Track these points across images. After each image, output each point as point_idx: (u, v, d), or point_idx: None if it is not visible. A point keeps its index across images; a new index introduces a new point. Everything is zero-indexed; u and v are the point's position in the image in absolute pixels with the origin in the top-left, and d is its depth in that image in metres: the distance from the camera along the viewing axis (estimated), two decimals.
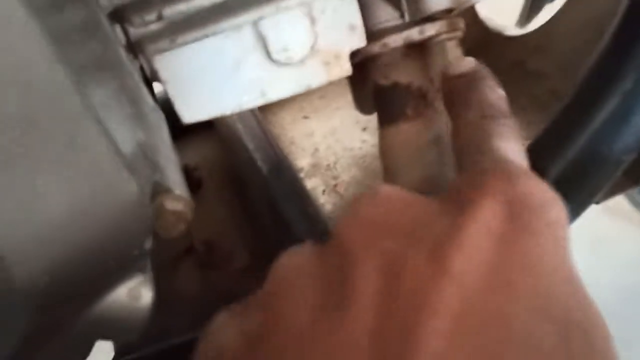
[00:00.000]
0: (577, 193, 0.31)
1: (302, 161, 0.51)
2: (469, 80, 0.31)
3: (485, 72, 0.32)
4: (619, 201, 0.89)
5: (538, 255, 0.20)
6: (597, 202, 0.38)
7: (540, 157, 0.32)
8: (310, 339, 0.20)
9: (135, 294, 0.21)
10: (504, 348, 0.18)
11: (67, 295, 0.18)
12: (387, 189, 0.24)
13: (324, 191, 0.49)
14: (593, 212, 1.05)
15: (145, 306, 0.21)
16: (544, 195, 0.22)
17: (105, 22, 0.30)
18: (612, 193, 0.39)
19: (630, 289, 1.12)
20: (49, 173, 0.17)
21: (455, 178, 0.25)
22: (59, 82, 0.19)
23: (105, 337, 0.22)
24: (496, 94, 0.30)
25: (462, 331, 0.18)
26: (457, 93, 0.31)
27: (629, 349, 1.00)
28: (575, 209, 0.32)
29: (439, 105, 0.39)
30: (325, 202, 0.49)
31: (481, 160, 0.24)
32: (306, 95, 0.38)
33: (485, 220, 0.20)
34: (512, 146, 0.25)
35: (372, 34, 0.37)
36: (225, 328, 0.23)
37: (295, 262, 0.23)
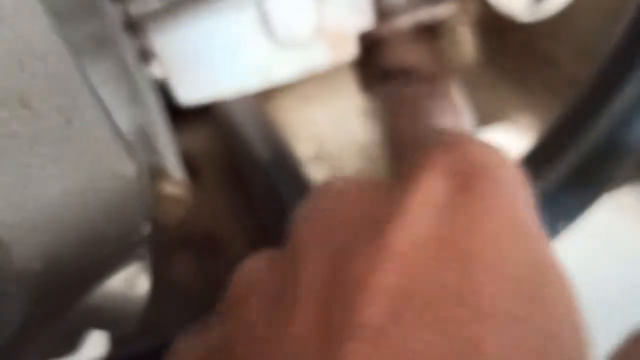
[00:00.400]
0: (594, 180, 0.31)
1: (304, 149, 0.51)
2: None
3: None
4: (629, 199, 0.88)
5: (491, 220, 0.19)
6: (608, 192, 0.38)
7: (556, 146, 0.32)
8: (266, 341, 0.20)
9: (131, 282, 0.20)
10: (455, 316, 0.17)
11: (63, 281, 0.18)
12: (336, 183, 0.24)
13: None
14: (605, 209, 1.05)
15: (142, 295, 0.21)
16: (487, 156, 0.21)
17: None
18: (624, 183, 0.39)
19: (635, 283, 1.12)
20: (44, 154, 0.17)
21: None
22: (58, 56, 0.18)
23: (99, 327, 0.21)
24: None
25: (409, 304, 0.18)
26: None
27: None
28: (590, 196, 0.31)
29: (451, 91, 0.39)
30: None
31: (427, 140, 0.24)
32: (310, 80, 0.37)
33: (427, 193, 0.20)
34: (449, 119, 0.26)
35: (381, 14, 0.37)
36: (185, 346, 0.24)
37: (252, 269, 0.23)
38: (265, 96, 0.46)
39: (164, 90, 0.34)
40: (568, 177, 0.30)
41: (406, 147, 0.27)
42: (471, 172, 0.20)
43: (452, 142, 0.22)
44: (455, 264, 0.18)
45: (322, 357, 0.18)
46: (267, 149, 0.46)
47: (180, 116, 0.34)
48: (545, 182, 0.31)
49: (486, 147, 0.22)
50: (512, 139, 0.39)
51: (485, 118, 0.47)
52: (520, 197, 0.21)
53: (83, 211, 0.17)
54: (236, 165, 0.48)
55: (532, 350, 0.18)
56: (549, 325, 0.18)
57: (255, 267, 0.24)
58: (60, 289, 0.18)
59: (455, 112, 0.32)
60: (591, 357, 0.21)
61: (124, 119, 0.26)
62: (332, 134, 0.52)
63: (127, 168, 0.19)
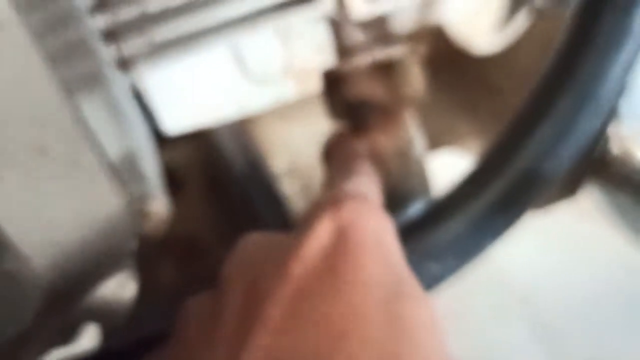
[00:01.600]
0: (517, 203, 0.36)
1: (280, 164, 0.55)
2: (335, 142, 0.45)
3: (344, 132, 0.45)
4: (594, 205, 0.93)
5: (361, 255, 0.27)
6: (536, 210, 0.43)
7: (486, 172, 0.37)
8: (196, 345, 0.27)
9: (121, 286, 0.25)
10: (333, 314, 0.24)
11: (67, 285, 0.22)
12: (254, 236, 0.32)
13: (299, 193, 0.54)
14: (569, 216, 1.10)
15: (130, 296, 0.26)
16: (366, 212, 0.29)
17: (98, 41, 0.34)
18: (550, 201, 0.44)
19: (599, 288, 1.17)
20: (54, 187, 0.22)
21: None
22: (55, 100, 0.23)
23: (95, 321, 0.26)
24: (351, 146, 0.42)
25: (300, 307, 0.25)
26: (328, 157, 0.45)
27: (600, 344, 1.05)
28: (514, 216, 0.36)
29: (404, 119, 0.44)
30: (301, 203, 0.53)
31: (325, 195, 0.33)
32: (287, 103, 0.42)
33: (317, 238, 0.27)
34: (356, 180, 0.35)
35: (342, 53, 0.41)
36: None
37: (191, 306, 0.30)
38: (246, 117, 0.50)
39: (151, 116, 0.38)
40: (495, 200, 0.35)
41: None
42: (349, 223, 0.28)
43: (338, 200, 0.29)
44: (333, 281, 0.26)
45: (236, 344, 0.24)
46: (244, 164, 0.51)
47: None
48: (476, 205, 0.36)
49: (362, 204, 0.30)
50: (461, 162, 0.44)
51: (437, 144, 0.52)
52: (385, 238, 0.29)
53: (84, 232, 0.22)
54: (216, 178, 0.52)
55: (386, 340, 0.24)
56: (404, 323, 0.25)
57: (192, 305, 0.30)
58: (66, 292, 0.23)
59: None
60: None
61: (114, 149, 0.31)
62: (305, 152, 0.56)
63: (118, 196, 0.24)
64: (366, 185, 0.35)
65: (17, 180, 0.21)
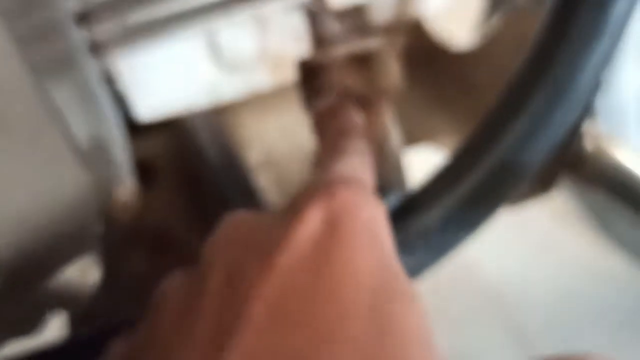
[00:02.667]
0: (491, 197, 0.36)
1: (253, 156, 0.55)
2: (327, 113, 0.39)
3: (343, 103, 0.40)
4: (566, 206, 0.94)
5: (352, 247, 0.25)
6: (511, 205, 0.43)
7: (460, 166, 0.36)
8: (171, 338, 0.25)
9: (84, 271, 0.24)
10: (319, 314, 0.23)
11: (24, 269, 0.22)
12: (238, 215, 0.30)
13: (272, 186, 0.53)
14: (541, 216, 1.10)
15: (92, 283, 0.25)
16: (359, 199, 0.27)
17: (69, 23, 0.33)
18: (525, 197, 0.44)
19: (572, 290, 1.18)
20: (15, 166, 0.21)
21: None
22: (21, 81, 0.22)
23: (57, 307, 0.25)
24: (349, 119, 0.38)
25: (285, 306, 0.23)
26: (319, 126, 0.39)
27: (573, 345, 1.06)
28: (488, 210, 0.36)
29: (381, 112, 0.44)
30: (274, 196, 0.52)
31: (315, 177, 0.31)
32: (263, 95, 0.42)
33: (307, 226, 0.25)
34: (350, 161, 0.32)
35: (318, 43, 0.41)
36: (116, 346, 0.29)
37: (170, 283, 0.29)
38: (221, 107, 0.50)
39: (123, 102, 0.37)
40: (469, 196, 0.35)
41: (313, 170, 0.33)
42: (341, 211, 0.26)
43: (330, 184, 0.27)
44: (321, 277, 0.24)
45: (215, 346, 0.23)
46: (217, 155, 0.50)
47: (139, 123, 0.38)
48: (450, 198, 0.35)
49: (355, 190, 0.28)
50: (437, 157, 0.43)
51: (413, 139, 0.52)
52: (378, 229, 0.27)
53: (45, 212, 0.22)
54: (189, 169, 0.52)
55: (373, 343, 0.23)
56: (392, 325, 0.23)
57: (171, 282, 0.29)
58: (24, 274, 0.22)
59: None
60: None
61: (83, 133, 0.30)
62: (280, 143, 0.56)
63: (83, 178, 0.23)
64: (360, 167, 0.32)
65: None
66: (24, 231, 0.21)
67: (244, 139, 0.55)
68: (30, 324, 0.29)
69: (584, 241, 1.15)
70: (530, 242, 1.26)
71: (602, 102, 0.96)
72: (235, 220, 0.29)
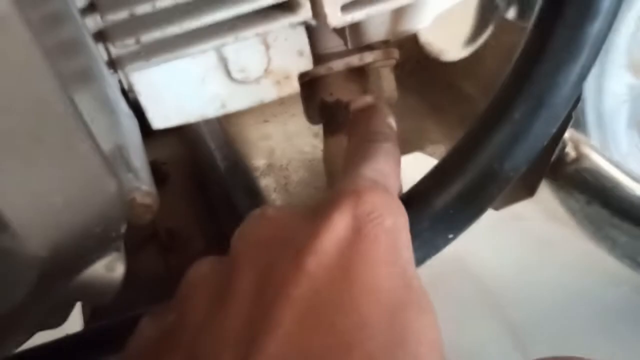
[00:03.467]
0: (477, 200, 0.38)
1: (258, 161, 0.57)
2: (363, 112, 0.39)
3: (380, 105, 0.39)
4: (558, 207, 0.96)
5: (375, 256, 0.26)
6: (496, 209, 0.45)
7: (448, 170, 0.39)
8: (202, 329, 0.26)
9: (110, 267, 0.27)
10: (340, 323, 0.24)
11: (60, 264, 0.24)
12: (269, 211, 0.30)
13: (275, 189, 0.56)
14: (535, 218, 1.12)
15: (118, 277, 0.27)
16: (384, 206, 0.28)
17: (90, 40, 0.36)
18: (511, 201, 0.46)
19: (565, 287, 1.19)
20: (51, 173, 0.23)
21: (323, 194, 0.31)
22: (54, 96, 0.25)
23: (85, 300, 0.28)
24: (383, 122, 0.37)
25: (311, 312, 0.24)
26: (353, 124, 0.38)
27: (566, 342, 1.08)
28: (474, 213, 0.39)
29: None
30: (276, 198, 0.55)
31: (343, 180, 0.31)
32: (268, 104, 0.44)
33: (333, 230, 0.26)
34: (380, 166, 0.32)
35: (319, 58, 0.44)
36: (146, 326, 0.30)
37: (199, 271, 0.29)
38: (229, 114, 0.52)
39: (139, 111, 0.40)
40: (457, 198, 0.38)
41: (342, 173, 0.34)
42: (366, 218, 0.27)
43: (358, 190, 0.28)
44: (345, 285, 0.25)
45: (245, 346, 0.24)
46: (224, 159, 0.53)
47: (153, 130, 0.40)
48: (439, 201, 0.38)
49: (381, 197, 0.28)
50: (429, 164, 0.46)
51: (407, 146, 0.54)
52: (400, 237, 0.28)
53: (77, 214, 0.24)
54: (198, 173, 0.54)
55: (388, 355, 0.24)
56: (407, 336, 0.25)
57: (200, 270, 0.30)
58: (58, 270, 0.25)
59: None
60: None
61: (107, 142, 0.33)
62: (283, 149, 0.58)
63: (110, 184, 0.26)
64: (388, 172, 0.33)
65: (16, 167, 0.23)
66: (59, 232, 0.24)
67: (248, 146, 0.57)
68: (58, 316, 0.31)
69: (578, 240, 1.17)
70: (526, 241, 1.28)
71: (592, 110, 0.99)
72: (265, 216, 0.30)
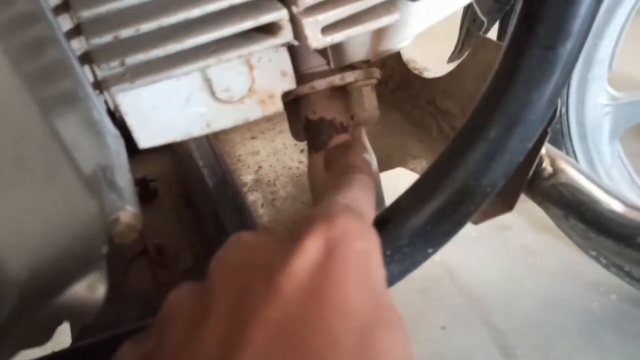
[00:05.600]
0: (455, 215, 0.38)
1: (246, 176, 0.57)
2: (340, 148, 0.42)
3: (356, 141, 0.42)
4: (544, 217, 0.97)
5: (345, 277, 0.27)
6: (476, 223, 0.45)
7: (426, 187, 0.39)
8: (179, 353, 0.27)
9: (92, 287, 0.27)
10: (311, 341, 0.24)
11: (41, 285, 0.24)
12: (245, 237, 0.31)
13: (262, 204, 0.56)
14: (521, 227, 1.13)
15: (100, 296, 0.27)
16: (355, 230, 0.29)
17: (76, 62, 0.36)
18: (489, 216, 0.46)
19: (552, 296, 1.19)
20: (31, 196, 0.23)
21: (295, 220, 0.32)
22: (35, 123, 0.25)
23: (66, 320, 0.28)
24: (359, 156, 0.39)
25: (283, 331, 0.25)
26: (331, 158, 0.41)
27: (552, 350, 1.07)
28: (453, 228, 0.39)
29: (359, 138, 0.46)
30: (264, 214, 0.55)
31: (317, 207, 0.32)
32: (256, 122, 0.44)
33: (306, 254, 0.27)
34: (353, 194, 0.34)
35: (302, 77, 0.44)
36: (127, 352, 0.30)
37: (178, 296, 0.30)
38: (217, 132, 0.52)
39: (126, 130, 0.40)
40: (435, 214, 0.38)
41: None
42: (337, 241, 0.28)
43: (330, 214, 0.29)
44: (316, 305, 0.25)
45: None
46: (212, 177, 0.53)
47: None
48: (418, 217, 0.38)
49: (352, 221, 0.29)
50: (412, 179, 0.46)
51: (389, 162, 0.55)
52: (370, 259, 0.28)
53: (57, 236, 0.24)
54: (187, 189, 0.54)
55: None
56: (377, 353, 0.25)
57: (179, 295, 0.30)
58: (39, 290, 0.25)
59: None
60: None
61: (89, 163, 0.32)
62: (270, 165, 0.58)
63: (90, 206, 0.26)
64: (362, 200, 0.34)
65: None
66: (39, 254, 0.24)
67: (236, 162, 0.57)
68: (41, 335, 0.31)
69: (564, 249, 1.17)
70: (512, 251, 1.29)
71: (575, 122, 0.99)
72: (241, 242, 0.30)
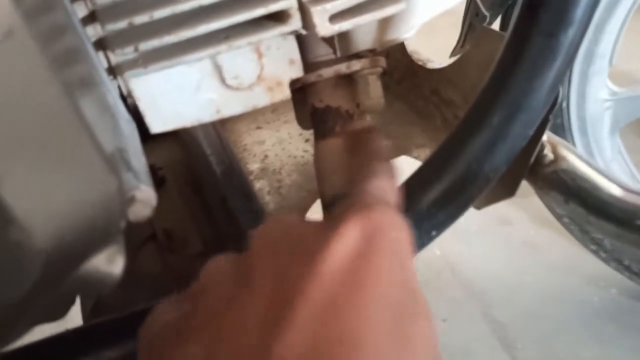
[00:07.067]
0: (458, 199, 0.40)
1: (252, 165, 0.59)
2: (363, 132, 0.42)
3: (374, 129, 0.43)
4: (544, 211, 0.98)
5: (381, 265, 0.28)
6: (478, 208, 0.46)
7: (431, 172, 0.40)
8: (224, 314, 0.28)
9: (111, 259, 0.28)
10: (350, 322, 0.26)
11: (63, 256, 0.25)
12: (285, 218, 0.32)
13: (269, 192, 0.57)
14: (522, 222, 1.14)
15: (119, 268, 0.29)
16: (390, 221, 0.30)
17: (91, 48, 0.37)
18: (491, 201, 0.48)
19: (552, 289, 1.20)
20: (57, 173, 0.25)
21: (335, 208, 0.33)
22: (60, 103, 0.26)
23: (86, 291, 0.29)
24: (381, 143, 0.40)
25: (325, 309, 0.26)
26: (354, 142, 0.42)
27: (553, 343, 1.09)
28: (456, 211, 0.40)
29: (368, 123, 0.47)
30: (269, 201, 0.56)
31: (350, 196, 0.34)
32: (260, 109, 0.45)
33: (345, 241, 0.29)
34: (382, 183, 0.35)
35: (310, 66, 0.45)
36: (163, 312, 0.31)
37: (218, 265, 0.31)
38: (223, 120, 0.53)
39: (138, 117, 0.41)
40: (439, 198, 0.39)
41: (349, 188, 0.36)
42: (373, 231, 0.29)
43: (370, 206, 0.30)
44: (355, 289, 0.27)
45: (266, 331, 0.26)
46: (220, 164, 0.54)
47: (152, 135, 0.42)
48: (422, 200, 0.39)
49: (386, 213, 0.30)
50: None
51: (395, 150, 0.56)
52: (403, 250, 0.30)
53: (80, 210, 0.25)
54: (195, 177, 0.55)
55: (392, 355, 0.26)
56: (409, 339, 0.26)
57: (220, 264, 0.31)
58: (63, 260, 0.26)
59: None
60: None
61: (107, 144, 0.34)
62: (276, 154, 0.60)
63: (111, 183, 0.27)
64: (389, 189, 0.35)
65: (24, 169, 0.24)
66: (63, 226, 0.25)
67: (243, 150, 0.59)
68: (60, 308, 0.32)
69: (565, 244, 1.18)
70: (513, 245, 1.30)
71: (576, 117, 1.00)
72: (281, 221, 0.32)
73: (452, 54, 0.78)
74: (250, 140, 0.60)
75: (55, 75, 0.26)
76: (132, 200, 0.31)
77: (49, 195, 0.25)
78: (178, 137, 0.56)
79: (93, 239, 0.27)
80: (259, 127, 0.61)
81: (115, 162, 0.31)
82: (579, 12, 0.37)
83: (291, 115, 0.52)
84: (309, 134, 0.60)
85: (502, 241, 1.31)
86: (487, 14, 0.80)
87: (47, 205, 0.25)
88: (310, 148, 0.59)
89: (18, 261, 0.25)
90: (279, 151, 0.60)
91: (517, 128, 0.38)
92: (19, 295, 0.26)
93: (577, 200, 0.48)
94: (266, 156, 0.60)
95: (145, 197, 0.31)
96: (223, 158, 0.54)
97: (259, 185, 0.57)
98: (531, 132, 0.39)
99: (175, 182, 0.55)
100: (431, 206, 0.39)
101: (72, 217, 0.25)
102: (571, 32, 0.38)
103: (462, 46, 0.75)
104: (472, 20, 0.84)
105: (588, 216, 0.47)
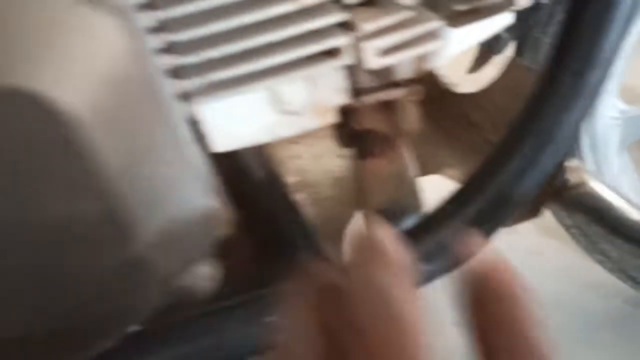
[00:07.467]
0: (491, 221, 0.44)
1: (289, 178, 0.63)
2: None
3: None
4: (550, 220, 1.01)
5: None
6: (507, 226, 0.51)
7: (468, 195, 0.45)
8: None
9: (207, 269, 0.33)
10: None
11: (172, 272, 0.30)
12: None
13: (307, 204, 0.61)
14: (527, 230, 1.15)
15: (210, 283, 0.33)
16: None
17: (163, 77, 0.41)
18: (517, 221, 0.52)
19: (554, 296, 1.23)
20: (166, 185, 0.29)
21: None
22: (168, 126, 0.30)
23: (183, 299, 0.33)
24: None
25: None
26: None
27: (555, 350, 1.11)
28: (489, 230, 0.44)
29: (400, 149, 0.52)
30: (309, 212, 0.60)
31: None
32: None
33: None
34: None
35: (355, 93, 0.49)
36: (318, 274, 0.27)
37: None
38: None
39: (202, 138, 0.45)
40: (474, 218, 0.43)
41: None
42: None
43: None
44: None
45: None
46: (263, 176, 0.58)
47: None
48: (460, 219, 0.44)
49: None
50: (446, 186, 0.51)
51: (425, 170, 0.60)
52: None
53: (192, 232, 0.30)
54: (239, 187, 0.59)
55: None
56: None
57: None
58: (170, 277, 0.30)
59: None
60: None
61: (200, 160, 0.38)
62: (312, 168, 0.64)
63: (207, 199, 0.31)
64: None
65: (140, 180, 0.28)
66: (171, 237, 0.29)
67: (279, 163, 0.62)
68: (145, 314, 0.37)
69: (568, 251, 1.20)
70: (517, 250, 1.32)
71: (586, 134, 1.04)
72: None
73: (470, 72, 0.82)
74: (286, 155, 0.64)
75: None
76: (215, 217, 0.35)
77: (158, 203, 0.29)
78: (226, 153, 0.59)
79: (197, 255, 0.31)
80: (294, 142, 0.65)
81: (209, 182, 0.35)
82: (603, 55, 0.41)
83: (325, 131, 0.56)
84: (342, 149, 0.64)
85: (507, 248, 1.33)
86: (504, 36, 0.84)
87: (156, 216, 0.29)
88: (343, 163, 0.63)
89: (138, 281, 0.29)
90: (315, 166, 0.64)
91: (547, 157, 0.42)
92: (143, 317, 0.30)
93: (598, 221, 0.52)
94: (302, 170, 0.63)
95: (223, 214, 0.35)
96: (266, 170, 0.58)
97: (298, 197, 0.61)
98: (557, 161, 0.44)
99: (226, 193, 0.59)
100: (467, 225, 0.43)
101: (177, 231, 0.30)
102: (597, 72, 0.42)
103: (479, 65, 0.79)
104: (489, 41, 0.88)
105: (607, 235, 0.51)
